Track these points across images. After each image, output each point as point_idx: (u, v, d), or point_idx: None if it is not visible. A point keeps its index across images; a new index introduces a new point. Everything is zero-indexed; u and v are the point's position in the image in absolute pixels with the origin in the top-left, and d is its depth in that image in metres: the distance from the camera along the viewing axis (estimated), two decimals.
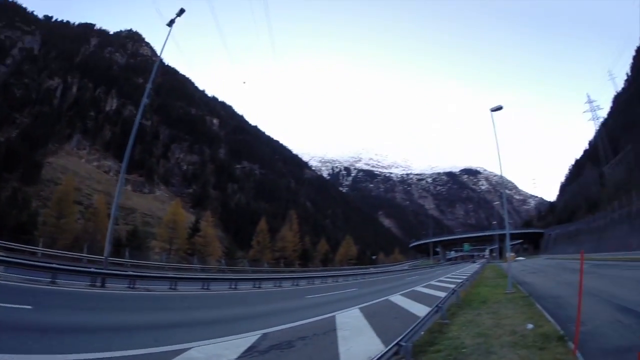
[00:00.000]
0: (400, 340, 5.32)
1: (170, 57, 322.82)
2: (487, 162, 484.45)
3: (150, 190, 78.01)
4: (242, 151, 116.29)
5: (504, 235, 25.01)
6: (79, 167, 66.36)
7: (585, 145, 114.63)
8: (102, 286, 13.10)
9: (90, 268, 15.08)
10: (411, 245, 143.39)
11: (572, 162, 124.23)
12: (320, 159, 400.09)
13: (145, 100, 20.27)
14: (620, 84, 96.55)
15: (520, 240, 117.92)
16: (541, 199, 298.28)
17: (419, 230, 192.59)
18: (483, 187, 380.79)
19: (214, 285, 17.99)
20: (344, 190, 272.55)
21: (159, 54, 26.79)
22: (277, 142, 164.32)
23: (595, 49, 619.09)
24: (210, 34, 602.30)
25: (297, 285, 23.94)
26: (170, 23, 19.58)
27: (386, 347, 5.26)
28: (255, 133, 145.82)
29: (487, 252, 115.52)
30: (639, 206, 41.72)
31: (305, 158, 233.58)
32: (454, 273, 36.18)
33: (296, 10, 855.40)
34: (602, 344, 5.74)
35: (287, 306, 13.51)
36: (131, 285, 14.04)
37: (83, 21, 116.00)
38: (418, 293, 16.62)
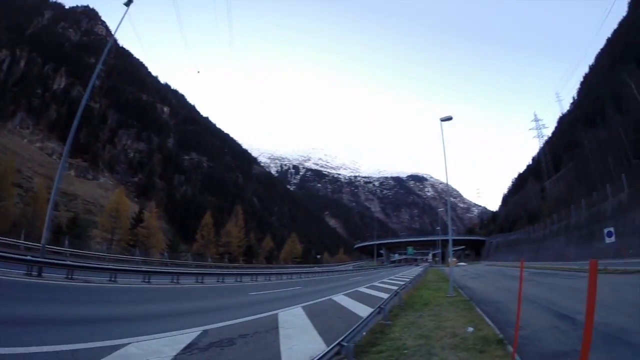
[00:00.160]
0: (342, 340, 5.29)
1: (125, 39, 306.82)
2: (434, 170, 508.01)
3: (94, 177, 74.96)
4: (191, 142, 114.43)
5: (447, 240, 25.94)
6: (20, 147, 62.52)
7: (529, 161, 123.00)
8: (39, 276, 12.72)
9: (26, 256, 14.24)
10: (356, 246, 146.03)
11: (516, 175, 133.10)
12: (269, 155, 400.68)
13: (94, 80, 19.10)
14: (566, 107, 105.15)
15: (463, 247, 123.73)
16: (484, 208, 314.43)
17: (364, 232, 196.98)
18: (429, 194, 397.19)
19: (155, 278, 17.68)
20: (291, 189, 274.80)
21: (113, 34, 25.25)
22: (227, 135, 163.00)
23: (546, 71, 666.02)
24: (169, 20, 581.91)
25: (240, 281, 23.81)
26: (128, 2, 18.53)
27: (328, 346, 5.20)
28: (205, 124, 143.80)
29: (430, 257, 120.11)
30: (577, 220, 44.84)
31: (254, 153, 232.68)
32: (397, 275, 36.96)
33: (258, 8, 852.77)
34: (540, 348, 5.91)
35: (230, 302, 13.25)
36: (69, 276, 13.59)
37: None
38: (361, 293, 16.73)
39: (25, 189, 48.10)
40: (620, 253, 24.92)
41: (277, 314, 9.55)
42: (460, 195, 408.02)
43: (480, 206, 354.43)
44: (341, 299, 14.21)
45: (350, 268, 75.75)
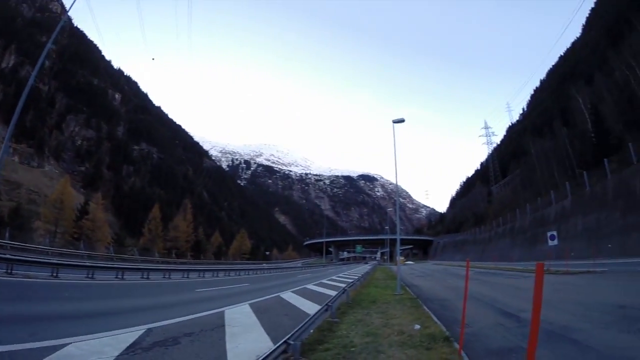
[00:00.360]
0: (289, 338, 5.26)
1: (80, 19, 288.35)
2: (385, 171, 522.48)
3: (39, 164, 69.90)
4: (142, 132, 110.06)
5: (395, 239, 26.47)
6: None
7: (478, 166, 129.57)
8: None
9: None
10: (305, 243, 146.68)
11: (464, 179, 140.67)
12: (221, 149, 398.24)
13: (43, 60, 17.73)
14: (515, 117, 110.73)
15: (411, 246, 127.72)
16: (432, 209, 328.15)
17: (314, 229, 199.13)
18: (378, 194, 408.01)
19: (99, 274, 17.13)
20: (242, 184, 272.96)
21: (67, 11, 23.48)
22: (179, 126, 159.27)
23: (499, 83, 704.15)
24: (126, 2, 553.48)
25: (187, 277, 23.48)
26: None
27: (275, 345, 5.14)
28: (157, 114, 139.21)
29: (378, 255, 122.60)
30: (522, 223, 47.69)
31: (206, 146, 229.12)
32: (345, 273, 37.45)
33: (220, 3, 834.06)
34: (485, 344, 6.11)
35: (176, 299, 12.99)
36: (9, 270, 13.11)
37: None
38: (309, 291, 16.76)
39: None
40: (562, 255, 26.64)
41: (223, 311, 9.45)
42: (409, 196, 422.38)
43: (428, 207, 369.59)
44: (289, 296, 14.20)
45: (300, 265, 76.20)
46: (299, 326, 6.01)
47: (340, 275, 32.61)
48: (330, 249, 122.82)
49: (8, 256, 14.13)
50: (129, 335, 6.16)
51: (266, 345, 5.81)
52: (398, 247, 23.56)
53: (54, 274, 14.59)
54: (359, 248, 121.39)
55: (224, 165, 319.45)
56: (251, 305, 10.92)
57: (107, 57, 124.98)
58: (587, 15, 77.81)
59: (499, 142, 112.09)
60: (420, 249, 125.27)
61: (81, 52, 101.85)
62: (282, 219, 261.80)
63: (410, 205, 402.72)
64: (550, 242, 22.52)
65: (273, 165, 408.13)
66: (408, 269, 48.53)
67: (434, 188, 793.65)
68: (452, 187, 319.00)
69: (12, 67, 78.23)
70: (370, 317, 9.28)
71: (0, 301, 9.03)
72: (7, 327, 6.14)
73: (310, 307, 10.29)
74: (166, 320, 7.81)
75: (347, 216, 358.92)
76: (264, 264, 60.93)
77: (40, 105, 75.34)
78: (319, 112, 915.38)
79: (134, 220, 67.83)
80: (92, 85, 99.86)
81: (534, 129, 70.26)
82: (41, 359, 4.56)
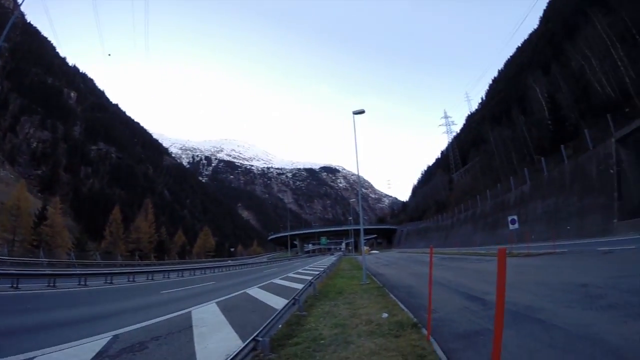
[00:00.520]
0: (257, 335, 5.28)
1: (33, 14, 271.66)
2: (346, 162, 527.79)
3: None
4: (100, 131, 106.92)
5: (359, 230, 26.84)
6: None
7: (438, 154, 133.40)
8: None
9: None
10: (270, 238, 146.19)
11: (425, 168, 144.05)
12: (181, 146, 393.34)
13: None
14: (474, 106, 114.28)
15: (375, 235, 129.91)
16: (395, 198, 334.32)
17: (278, 223, 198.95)
18: (341, 185, 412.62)
19: (61, 281, 16.90)
20: (203, 180, 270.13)
21: (19, 5, 21.95)
22: (137, 124, 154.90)
23: (458, 73, 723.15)
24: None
25: (152, 279, 23.17)
26: None
27: (244, 342, 5.13)
28: (115, 112, 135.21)
29: (343, 246, 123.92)
30: (483, 209, 49.51)
31: (165, 144, 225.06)
32: (311, 265, 37.72)
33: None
34: (453, 329, 6.27)
35: (141, 303, 12.66)
36: None
37: None
38: (276, 285, 16.82)
39: None
40: (523, 238, 27.90)
41: (190, 312, 9.41)
42: (371, 187, 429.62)
43: (391, 197, 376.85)
44: (256, 292, 14.22)
45: (265, 260, 75.88)
46: (267, 322, 6.03)
47: (306, 268, 32.81)
48: (295, 243, 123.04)
49: None
50: (95, 344, 6.10)
51: (235, 343, 5.79)
52: (362, 237, 23.86)
53: (14, 285, 14.26)
54: (323, 240, 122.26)
55: (185, 162, 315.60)
56: (218, 303, 10.91)
57: (62, 54, 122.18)
58: (545, 7, 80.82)
59: (458, 131, 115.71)
60: (385, 238, 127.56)
61: (34, 49, 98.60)
62: (245, 214, 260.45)
63: (373, 195, 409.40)
64: (511, 226, 23.41)
65: (234, 160, 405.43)
66: (373, 258, 49.32)
67: (395, 177, 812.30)
68: (414, 176, 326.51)
69: None
70: (338, 308, 9.36)
71: None
72: None
73: (278, 302, 10.31)
74: (132, 325, 7.73)
75: (310, 209, 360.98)
76: (230, 261, 60.66)
77: None
78: (279, 106, 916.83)
79: (94, 223, 66.47)
80: (46, 84, 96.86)
81: (493, 118, 72.63)
82: None
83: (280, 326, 7.01)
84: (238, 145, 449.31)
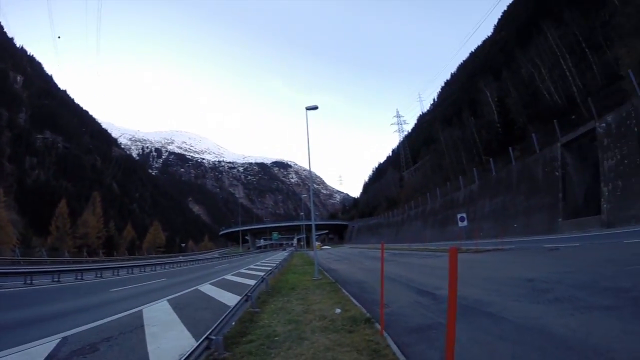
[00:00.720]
0: (210, 334, 5.21)
1: None
2: (298, 157, 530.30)
3: None
4: (46, 119, 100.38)
5: (311, 225, 27.01)
6: None
7: (389, 152, 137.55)
8: None
9: None
10: (221, 233, 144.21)
11: (376, 165, 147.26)
12: (130, 136, 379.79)
13: None
14: (426, 107, 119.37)
15: (327, 231, 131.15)
16: (346, 194, 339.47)
17: (229, 218, 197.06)
18: (293, 180, 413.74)
19: (5, 280, 16.46)
20: (153, 173, 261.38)
21: None
22: (85, 112, 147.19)
23: (411, 74, 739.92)
24: None
25: (101, 276, 22.19)
26: None
27: (197, 341, 5.03)
28: (62, 99, 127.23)
29: (295, 241, 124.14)
30: (432, 206, 51.32)
31: (114, 134, 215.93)
32: (263, 261, 37.70)
33: None
34: (406, 323, 6.41)
35: (90, 302, 12.09)
36: None
37: None
38: (228, 281, 16.67)
39: None
40: (472, 235, 29.14)
41: (141, 310, 9.19)
42: (323, 182, 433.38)
43: (342, 193, 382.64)
44: (208, 288, 14.05)
45: (217, 256, 74.85)
46: (220, 320, 5.96)
47: (258, 263, 32.76)
48: (247, 238, 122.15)
49: None
50: (43, 348, 5.84)
51: (188, 342, 5.71)
52: (314, 233, 23.97)
53: None
54: (275, 235, 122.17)
55: (134, 153, 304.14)
56: (170, 301, 10.73)
57: (10, 34, 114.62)
58: (500, 16, 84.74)
59: (410, 130, 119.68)
60: (336, 234, 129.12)
61: None
62: (196, 208, 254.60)
63: (325, 191, 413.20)
64: (460, 224, 24.29)
65: (185, 153, 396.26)
66: (325, 253, 49.67)
67: (347, 174, 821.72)
68: (365, 173, 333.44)
69: None
70: (291, 304, 9.36)
71: None
72: None
73: (230, 299, 10.24)
74: (82, 326, 7.47)
75: (262, 203, 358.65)
76: (181, 257, 60.00)
77: None
78: (231, 99, 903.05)
79: (39, 217, 62.75)
80: None
81: (444, 119, 75.40)
82: None
83: (233, 323, 6.93)
84: (189, 138, 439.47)
